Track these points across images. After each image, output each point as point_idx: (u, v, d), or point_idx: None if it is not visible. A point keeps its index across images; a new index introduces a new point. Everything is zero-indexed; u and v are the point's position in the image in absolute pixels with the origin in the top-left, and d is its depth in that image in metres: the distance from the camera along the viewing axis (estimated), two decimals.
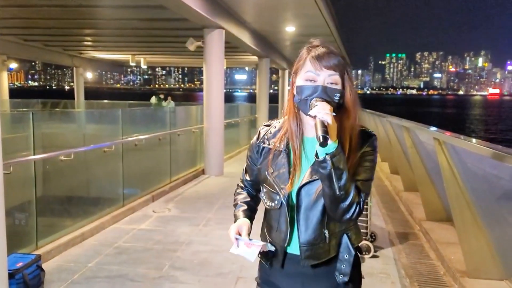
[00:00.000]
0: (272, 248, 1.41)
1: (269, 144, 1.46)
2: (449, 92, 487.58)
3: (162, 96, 16.52)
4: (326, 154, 1.22)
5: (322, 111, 1.21)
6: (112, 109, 8.17)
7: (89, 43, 14.17)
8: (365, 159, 1.35)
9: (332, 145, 1.22)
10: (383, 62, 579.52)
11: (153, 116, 7.78)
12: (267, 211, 1.50)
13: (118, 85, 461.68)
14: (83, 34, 12.34)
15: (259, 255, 1.47)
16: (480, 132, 36.83)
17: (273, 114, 17.13)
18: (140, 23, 9.92)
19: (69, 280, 3.55)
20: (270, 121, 1.54)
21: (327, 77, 1.31)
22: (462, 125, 42.92)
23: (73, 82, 19.41)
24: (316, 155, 1.25)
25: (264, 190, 1.47)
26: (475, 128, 41.17)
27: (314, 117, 1.22)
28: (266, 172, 1.43)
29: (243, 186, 1.66)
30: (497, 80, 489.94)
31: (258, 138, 1.51)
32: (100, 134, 6.52)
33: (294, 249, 1.42)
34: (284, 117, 1.45)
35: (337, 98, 1.30)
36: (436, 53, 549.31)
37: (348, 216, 1.29)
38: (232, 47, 11.48)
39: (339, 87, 1.32)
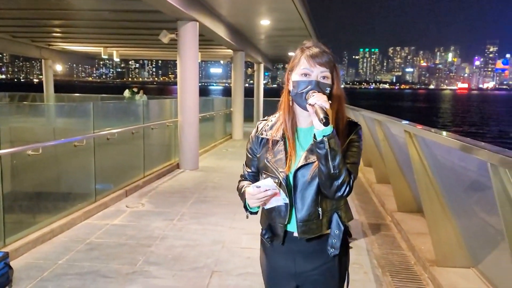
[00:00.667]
0: (271, 183, 1.48)
1: (267, 135, 1.65)
2: (421, 86, 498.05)
3: (135, 90, 16.24)
4: (324, 136, 1.40)
5: (321, 99, 1.41)
6: (83, 102, 7.97)
7: (58, 34, 13.76)
8: (352, 145, 1.54)
9: (329, 128, 1.40)
10: (357, 57, 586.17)
11: (126, 109, 7.64)
12: None
13: (90, 78, 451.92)
14: (52, 25, 11.97)
15: (262, 236, 1.68)
16: (450, 125, 37.83)
17: (248, 108, 17.12)
18: (112, 14, 9.69)
19: (39, 278, 3.47)
20: (267, 117, 1.73)
21: (320, 73, 1.51)
22: (433, 118, 43.96)
23: (42, 74, 18.84)
24: (314, 137, 1.43)
25: (264, 176, 1.63)
26: (445, 121, 42.24)
27: (313, 105, 1.41)
28: (265, 160, 1.61)
29: (245, 177, 1.79)
30: (466, 75, 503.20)
31: (257, 131, 1.70)
32: (70, 128, 6.37)
33: (292, 227, 1.59)
34: (279, 111, 1.65)
35: (328, 91, 1.51)
36: (408, 48, 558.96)
37: (340, 193, 1.47)
38: (206, 40, 11.39)
39: (329, 81, 1.52)
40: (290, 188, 1.55)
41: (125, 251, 4.11)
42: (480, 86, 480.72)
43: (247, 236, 4.60)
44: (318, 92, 1.47)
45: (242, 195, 1.65)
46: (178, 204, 5.80)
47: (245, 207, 1.62)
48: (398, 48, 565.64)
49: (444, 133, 3.46)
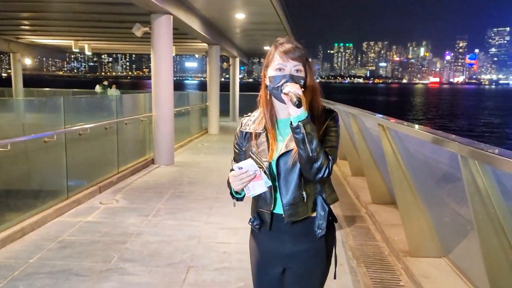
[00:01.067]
0: (252, 163, 1.57)
1: (250, 129, 1.75)
2: (394, 81, 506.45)
3: (106, 83, 15.93)
4: (299, 121, 1.51)
5: (294, 87, 1.54)
6: (54, 97, 7.76)
7: (27, 27, 13.34)
8: (330, 130, 1.64)
9: (303, 114, 1.52)
10: (332, 51, 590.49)
11: (98, 104, 7.48)
12: None
13: (61, 72, 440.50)
14: (21, 17, 11.59)
15: (251, 223, 1.75)
16: (422, 118, 38.66)
17: (224, 102, 17.05)
18: (82, 6, 9.45)
19: (9, 277, 3.37)
20: (250, 113, 1.84)
21: (293, 67, 1.61)
22: (406, 112, 44.82)
23: (10, 69, 18.23)
24: (291, 123, 1.54)
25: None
26: (417, 115, 43.14)
27: (287, 93, 1.52)
28: (250, 152, 1.70)
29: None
30: (437, 69, 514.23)
31: (241, 126, 1.80)
32: (40, 123, 6.19)
33: (279, 210, 1.67)
34: (259, 106, 1.75)
35: (302, 83, 1.61)
36: (381, 43, 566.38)
37: (320, 175, 1.57)
38: (181, 33, 11.25)
39: (302, 74, 1.63)
40: (274, 175, 1.64)
41: (99, 248, 4.03)
42: (451, 80, 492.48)
43: (223, 231, 4.59)
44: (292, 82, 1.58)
45: (228, 183, 1.70)
46: (153, 200, 5.74)
47: (231, 194, 1.71)
48: (372, 43, 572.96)
49: (416, 126, 3.53)
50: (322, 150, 1.56)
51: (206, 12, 10.32)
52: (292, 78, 1.59)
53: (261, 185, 1.59)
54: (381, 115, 4.68)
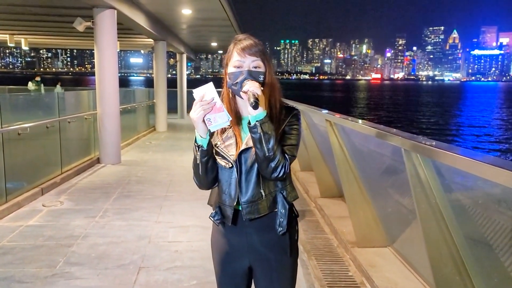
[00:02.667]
0: (210, 88, 1.55)
1: None
2: (338, 77, 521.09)
3: (38, 79, 15.20)
4: (256, 121, 1.51)
5: (253, 86, 1.52)
6: None
7: None
8: (291, 128, 1.65)
9: (261, 113, 1.51)
10: (278, 48, 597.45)
11: (39, 102, 7.11)
12: (219, 179, 1.71)
13: None
14: None
15: (212, 218, 1.73)
16: (366, 113, 40.11)
17: (172, 99, 16.77)
18: None
19: None
20: None
21: (251, 63, 1.61)
22: (350, 107, 46.33)
23: None
24: (249, 122, 1.54)
25: (218, 158, 1.70)
26: (361, 110, 44.71)
27: (246, 92, 1.51)
28: (215, 145, 1.68)
29: None
30: (379, 66, 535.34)
31: None
32: None
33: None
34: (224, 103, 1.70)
35: (261, 79, 1.61)
36: (326, 40, 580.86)
37: (276, 174, 1.57)
38: (125, 28, 10.94)
39: (262, 69, 1.62)
40: (239, 171, 1.65)
41: (42, 253, 3.85)
42: (392, 76, 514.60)
43: (174, 230, 4.53)
44: (251, 80, 1.57)
45: (195, 145, 1.66)
46: (100, 200, 5.55)
47: (195, 142, 1.64)
48: (317, 40, 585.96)
49: (360, 121, 3.66)
50: (279, 150, 1.56)
51: (152, 7, 10.09)
52: (251, 74, 1.59)
53: (222, 117, 1.55)
54: (327, 111, 4.81)
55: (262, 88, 1.55)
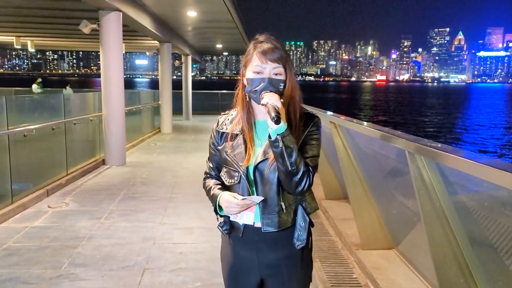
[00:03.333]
0: (259, 199, 1.53)
1: (226, 129, 1.65)
2: (343, 79, 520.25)
3: (40, 80, 15.35)
4: (277, 134, 1.43)
5: (272, 98, 1.44)
6: None
7: None
8: (311, 138, 1.57)
9: (282, 127, 1.43)
10: None
11: (45, 104, 7.15)
12: (228, 190, 1.63)
13: (1, 70, 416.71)
14: None
15: (220, 227, 1.67)
16: (371, 115, 40.01)
17: (177, 100, 16.82)
18: (24, 1, 8.99)
19: None
20: (227, 111, 1.73)
21: (272, 70, 1.52)
22: (355, 109, 46.23)
23: None
24: (269, 136, 1.46)
25: (224, 170, 1.65)
26: (366, 111, 44.60)
27: (265, 104, 1.44)
28: (225, 153, 1.62)
29: (209, 175, 1.77)
30: (384, 67, 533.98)
31: (217, 125, 1.70)
32: None
33: (256, 217, 1.58)
34: (237, 106, 1.66)
35: (281, 87, 1.53)
36: (331, 42, 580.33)
37: (300, 188, 1.49)
38: (131, 30, 10.98)
39: (282, 77, 1.54)
40: (251, 182, 1.56)
41: (47, 254, 3.87)
42: (397, 78, 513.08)
43: (179, 231, 4.54)
44: (271, 91, 1.49)
45: (211, 197, 1.65)
46: (105, 202, 5.57)
47: (215, 210, 1.63)
48: (321, 42, 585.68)
49: (365, 123, 3.65)
50: (302, 162, 1.48)
51: (157, 9, 10.13)
52: (271, 83, 1.51)
53: (249, 217, 1.55)
54: (331, 113, 4.81)
55: (282, 100, 1.47)
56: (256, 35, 1.60)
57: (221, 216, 1.63)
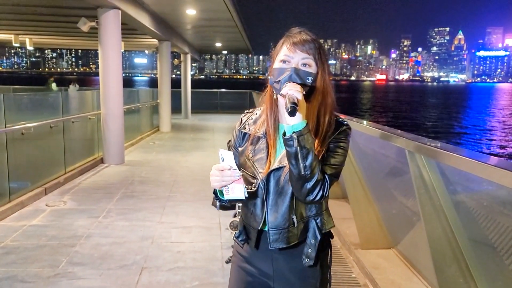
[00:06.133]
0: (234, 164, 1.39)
1: (249, 130, 1.51)
2: (343, 78, 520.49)
3: (52, 79, 15.35)
4: (293, 132, 1.27)
5: (293, 88, 1.28)
6: None
7: None
8: (337, 145, 1.41)
9: (300, 123, 1.27)
10: None
11: (43, 102, 7.12)
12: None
13: (0, 68, 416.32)
14: None
15: (235, 238, 1.55)
16: (370, 114, 40.01)
17: (176, 99, 16.79)
18: None
19: None
20: (252, 109, 1.58)
21: (301, 60, 1.37)
22: (355, 108, 46.22)
23: None
24: (284, 133, 1.30)
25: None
26: (365, 111, 44.61)
27: (285, 95, 1.28)
28: (246, 157, 1.47)
29: None
30: (384, 67, 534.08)
31: (240, 124, 1.55)
32: None
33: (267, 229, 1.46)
34: (263, 105, 1.50)
35: (310, 81, 1.36)
36: (331, 41, 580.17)
37: (311, 197, 1.33)
38: (129, 29, 10.95)
39: (312, 70, 1.37)
40: (266, 191, 1.43)
41: (45, 253, 3.85)
42: (396, 77, 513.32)
43: (177, 230, 4.52)
44: (297, 82, 1.34)
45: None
46: (103, 201, 5.55)
47: (215, 193, 1.49)
48: (321, 41, 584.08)
49: (365, 122, 3.64)
50: (318, 167, 1.31)
51: (156, 7, 10.10)
52: (297, 73, 1.35)
53: (240, 190, 1.39)
54: None
55: (304, 93, 1.30)
56: (291, 28, 1.46)
57: (220, 200, 1.49)
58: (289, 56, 1.37)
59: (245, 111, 1.59)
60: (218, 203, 1.51)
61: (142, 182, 6.64)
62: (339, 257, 3.89)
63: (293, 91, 1.27)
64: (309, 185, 1.31)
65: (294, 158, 1.29)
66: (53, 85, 15.35)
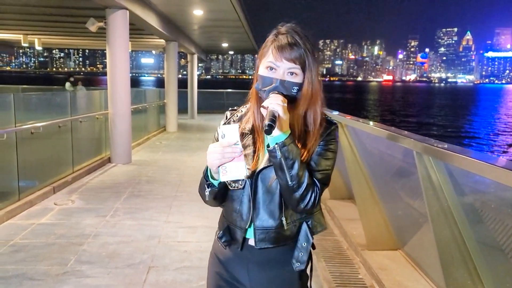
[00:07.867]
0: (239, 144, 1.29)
1: None
2: (349, 78, 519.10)
3: (72, 79, 15.47)
4: (276, 143, 1.25)
5: (274, 102, 1.24)
6: (2, 94, 7.38)
7: None
8: (326, 149, 1.37)
9: (281, 135, 1.25)
10: None
11: (51, 101, 7.18)
12: (229, 195, 1.45)
13: (9, 68, 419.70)
14: None
15: (218, 238, 1.48)
16: (377, 115, 39.86)
17: (182, 99, 16.84)
18: None
19: None
20: (236, 107, 1.54)
21: (287, 69, 1.33)
22: (361, 109, 46.07)
23: None
24: (268, 145, 1.28)
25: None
26: (372, 111, 44.45)
27: (267, 107, 1.24)
28: None
29: None
30: (390, 68, 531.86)
31: (225, 120, 1.51)
32: None
33: (250, 233, 1.41)
34: (249, 102, 1.47)
35: (295, 91, 1.33)
36: (337, 41, 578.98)
37: (302, 205, 1.30)
38: (137, 29, 11.01)
39: (298, 79, 1.33)
40: (254, 189, 1.38)
41: (54, 251, 3.89)
42: (403, 78, 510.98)
43: (183, 230, 4.55)
44: (282, 93, 1.31)
45: (205, 170, 1.42)
46: (110, 200, 5.59)
47: (206, 177, 1.40)
48: (328, 41, 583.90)
49: (371, 123, 3.64)
50: (305, 176, 1.29)
51: (164, 7, 10.15)
52: (283, 85, 1.32)
53: (240, 168, 1.28)
54: (338, 112, 4.79)
55: (285, 104, 1.26)
56: (279, 25, 1.39)
57: (210, 187, 1.39)
58: (275, 64, 1.33)
59: (230, 109, 1.55)
60: (208, 190, 1.39)
61: (149, 182, 6.68)
62: (346, 258, 3.89)
63: (274, 104, 1.24)
64: (298, 194, 1.29)
65: (279, 169, 1.28)
66: (67, 85, 15.45)
